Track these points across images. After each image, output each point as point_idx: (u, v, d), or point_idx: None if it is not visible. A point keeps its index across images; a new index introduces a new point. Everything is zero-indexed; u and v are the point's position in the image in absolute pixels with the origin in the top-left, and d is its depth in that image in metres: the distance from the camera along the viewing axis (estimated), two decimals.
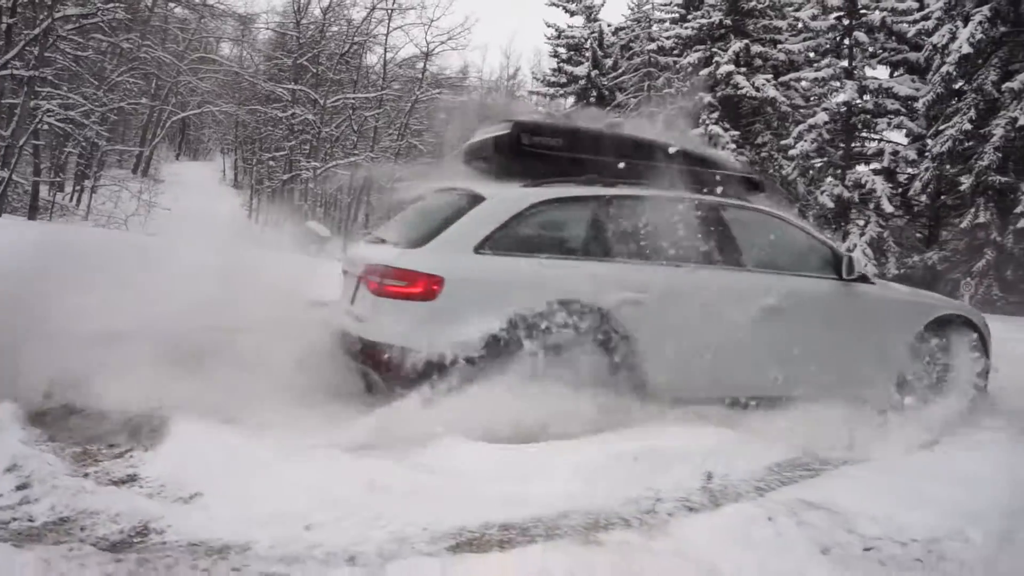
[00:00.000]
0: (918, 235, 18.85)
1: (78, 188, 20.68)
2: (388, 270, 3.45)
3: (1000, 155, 14.45)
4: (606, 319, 3.50)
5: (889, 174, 18.18)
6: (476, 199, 3.67)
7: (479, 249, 3.49)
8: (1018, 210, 14.31)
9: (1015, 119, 14.08)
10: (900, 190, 17.90)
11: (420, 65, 23.64)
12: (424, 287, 3.36)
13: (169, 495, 2.48)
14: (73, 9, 12.80)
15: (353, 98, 19.70)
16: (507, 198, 3.67)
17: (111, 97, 18.44)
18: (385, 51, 20.73)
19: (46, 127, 12.94)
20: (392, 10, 19.74)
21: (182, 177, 32.42)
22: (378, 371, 3.47)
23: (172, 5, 23.28)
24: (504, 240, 3.53)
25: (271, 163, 21.31)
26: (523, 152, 3.84)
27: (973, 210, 15.04)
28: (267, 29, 24.16)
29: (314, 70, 19.18)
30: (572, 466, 2.80)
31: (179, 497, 2.46)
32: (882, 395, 4.18)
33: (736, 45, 18.88)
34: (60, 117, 13.51)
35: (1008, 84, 14.45)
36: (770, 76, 18.88)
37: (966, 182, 15.01)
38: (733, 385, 3.86)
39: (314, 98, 18.63)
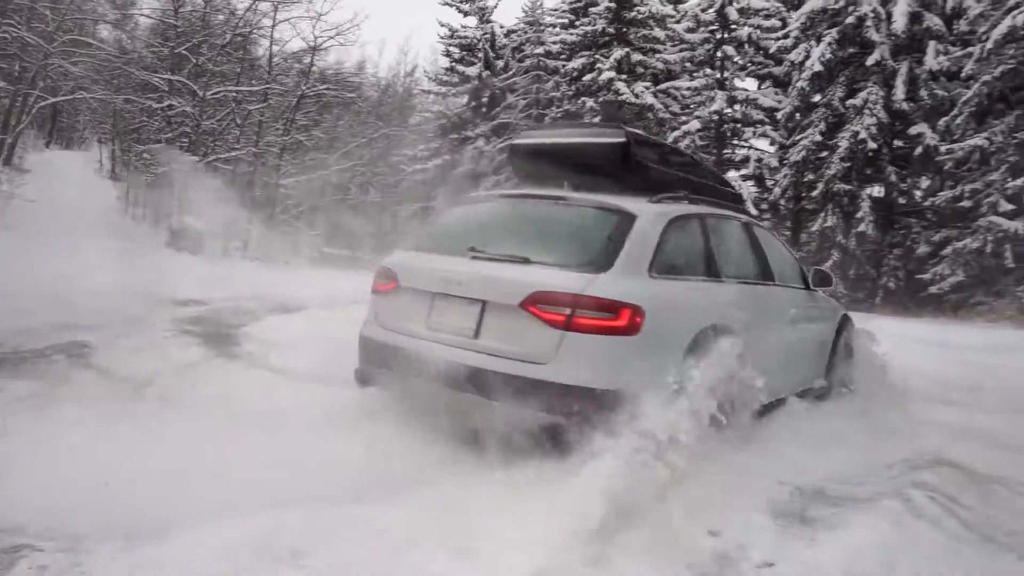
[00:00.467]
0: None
1: None
2: (585, 299, 2.93)
3: (846, 165, 15.85)
4: (737, 341, 3.41)
5: (760, 180, 19.54)
6: (627, 215, 3.28)
7: (651, 273, 3.18)
8: (859, 215, 15.76)
9: (856, 132, 15.49)
10: (767, 195, 19.25)
11: (309, 59, 23.26)
12: (628, 319, 2.94)
13: None
14: None
15: (235, 91, 19.17)
16: (653, 215, 3.37)
17: None
18: (271, 44, 20.29)
19: None
20: (279, 2, 19.36)
21: (53, 167, 30.41)
22: (573, 419, 2.87)
23: None
24: (660, 262, 3.24)
25: (146, 156, 20.44)
26: (631, 163, 3.64)
27: (823, 215, 16.42)
28: (141, 15, 23.08)
29: (195, 60, 18.52)
30: None
31: None
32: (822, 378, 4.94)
33: (618, 53, 19.69)
34: None
35: (851, 101, 15.88)
36: (649, 84, 19.80)
37: (817, 189, 16.38)
38: (784, 387, 4.23)
39: (193, 89, 17.98)
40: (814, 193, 16.54)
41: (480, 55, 25.50)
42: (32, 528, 2.25)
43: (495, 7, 26.00)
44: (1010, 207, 13.22)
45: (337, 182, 28.25)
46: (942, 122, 14.73)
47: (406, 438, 3.21)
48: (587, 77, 19.93)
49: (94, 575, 1.94)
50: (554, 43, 21.93)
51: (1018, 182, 12.86)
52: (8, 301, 7.11)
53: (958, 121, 14.15)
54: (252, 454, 2.94)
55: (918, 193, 17.13)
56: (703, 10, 19.83)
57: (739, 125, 19.47)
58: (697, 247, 3.62)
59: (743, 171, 19.88)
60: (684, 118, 19.39)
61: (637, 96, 19.35)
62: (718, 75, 19.66)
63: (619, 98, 19.29)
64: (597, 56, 20.03)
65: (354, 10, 29.63)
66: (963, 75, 14.11)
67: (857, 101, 15.78)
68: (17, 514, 2.34)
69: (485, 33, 25.51)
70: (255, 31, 19.97)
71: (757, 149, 20.18)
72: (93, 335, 5.79)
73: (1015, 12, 12.23)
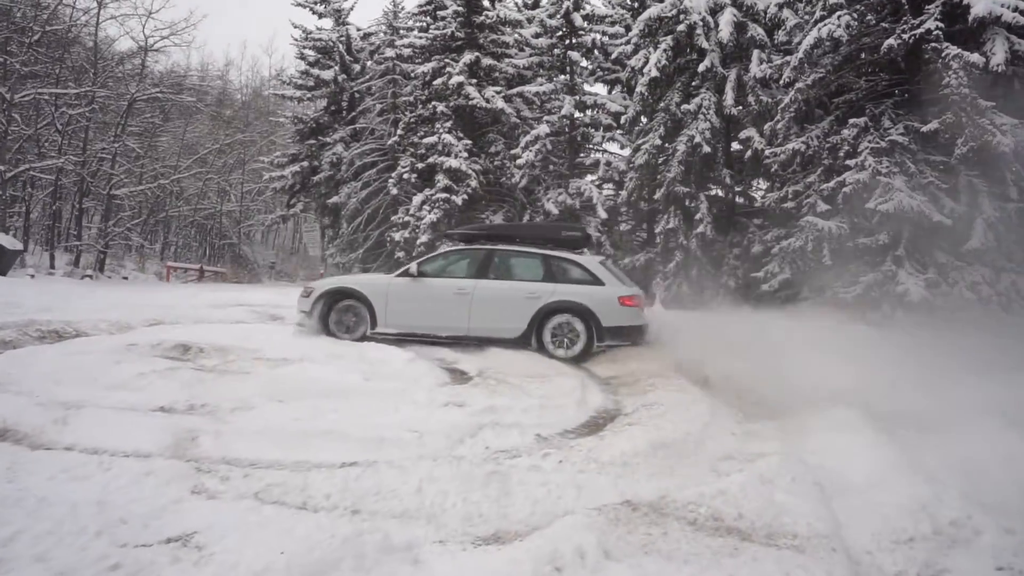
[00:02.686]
0: (637, 238, 20.82)
1: None
2: None
3: (683, 168, 16.27)
4: None
5: (620, 184, 19.81)
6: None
7: None
8: (698, 216, 16.23)
9: (692, 136, 15.95)
10: (619, 198, 19.57)
11: (151, 61, 21.71)
12: None
13: None
14: None
15: (50, 93, 17.41)
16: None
17: None
18: (96, 43, 18.51)
19: None
20: (103, 2, 17.66)
21: None
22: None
23: None
24: None
25: None
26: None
27: (665, 217, 16.81)
28: None
29: (3, 60, 16.64)
30: None
31: None
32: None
33: (468, 57, 19.48)
34: None
35: (686, 106, 16.34)
36: (500, 88, 19.71)
37: (660, 191, 16.75)
38: None
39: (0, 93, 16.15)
40: (656, 195, 16.91)
41: (336, 58, 24.71)
42: None
43: (351, 9, 25.33)
44: (826, 207, 13.86)
45: (188, 191, 26.57)
46: (767, 127, 15.33)
47: None
48: (438, 81, 19.59)
49: None
50: (404, 47, 21.45)
51: (831, 184, 13.48)
52: None
53: (780, 125, 14.72)
54: None
55: (759, 194, 17.85)
56: (550, 16, 19.96)
57: (590, 129, 19.71)
58: None
59: (596, 175, 20.20)
60: (535, 122, 19.44)
61: (488, 101, 19.22)
62: (567, 80, 19.81)
63: (470, 102, 19.10)
64: (447, 60, 19.75)
65: (189, 8, 27.90)
66: (782, 82, 14.74)
67: (692, 106, 16.27)
68: None
69: (341, 36, 24.77)
70: (74, 27, 18.30)
71: (610, 153, 20.56)
72: None
73: (821, 24, 12.85)
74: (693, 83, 16.79)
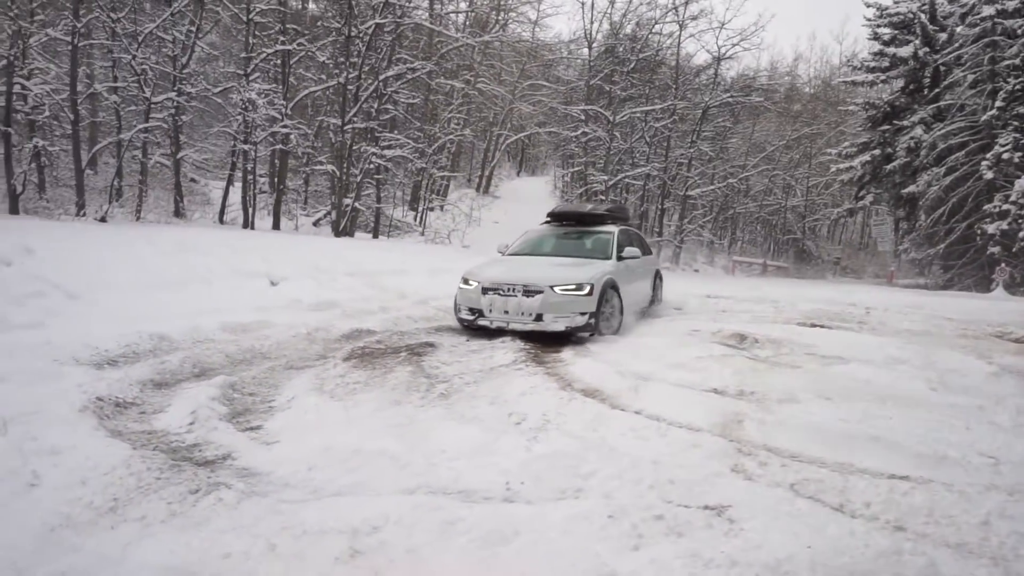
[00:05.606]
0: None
1: (424, 209, 24.79)
2: None
3: None
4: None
5: None
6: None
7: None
8: None
9: None
10: None
11: (724, 68, 23.36)
12: None
13: None
14: (392, 72, 16.02)
15: (641, 111, 20.38)
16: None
17: (443, 131, 21.98)
18: (678, 61, 20.90)
19: (372, 166, 16.28)
20: (683, 23, 19.88)
21: (518, 192, 36.55)
22: None
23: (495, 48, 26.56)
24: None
25: (566, 179, 23.13)
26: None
27: None
28: (563, 58, 26.25)
29: (608, 89, 20.34)
30: None
31: None
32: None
33: None
34: (389, 157, 16.89)
35: None
36: None
37: None
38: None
39: (605, 116, 19.77)
40: None
41: (916, 30, 22.20)
42: None
43: None
44: None
45: (754, 188, 27.56)
46: None
47: None
48: None
49: None
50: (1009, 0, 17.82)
51: None
52: (416, 310, 9.17)
53: None
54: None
55: None
56: None
57: None
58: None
59: None
60: None
61: None
62: None
63: None
64: None
65: (757, 12, 28.56)
66: None
67: None
68: None
69: (923, 5, 22.15)
70: (660, 52, 20.96)
71: None
72: (445, 338, 7.14)
73: None
74: None
